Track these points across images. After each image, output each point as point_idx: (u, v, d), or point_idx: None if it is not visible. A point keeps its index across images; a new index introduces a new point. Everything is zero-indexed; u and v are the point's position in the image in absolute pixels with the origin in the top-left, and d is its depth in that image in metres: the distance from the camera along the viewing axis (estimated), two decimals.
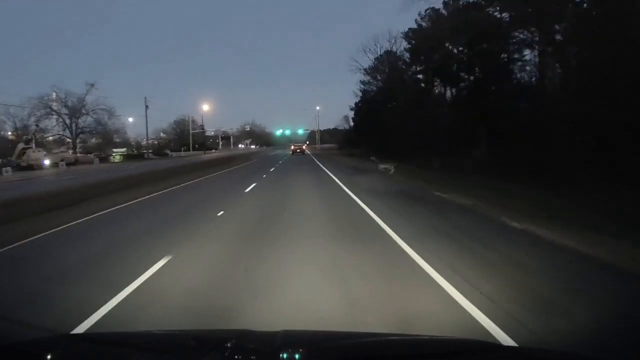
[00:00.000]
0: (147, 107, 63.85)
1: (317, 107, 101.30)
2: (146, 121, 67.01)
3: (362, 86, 75.41)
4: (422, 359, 1.94)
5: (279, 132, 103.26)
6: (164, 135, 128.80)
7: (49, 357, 1.85)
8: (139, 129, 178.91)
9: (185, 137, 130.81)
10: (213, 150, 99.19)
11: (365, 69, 73.10)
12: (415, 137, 48.29)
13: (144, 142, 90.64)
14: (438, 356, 1.96)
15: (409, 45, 65.81)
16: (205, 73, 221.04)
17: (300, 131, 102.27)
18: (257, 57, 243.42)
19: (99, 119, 75.76)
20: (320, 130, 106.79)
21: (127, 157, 61.89)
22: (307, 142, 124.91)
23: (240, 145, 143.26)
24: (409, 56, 67.68)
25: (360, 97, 74.04)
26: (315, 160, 41.13)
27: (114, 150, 68.38)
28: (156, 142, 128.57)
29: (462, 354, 1.98)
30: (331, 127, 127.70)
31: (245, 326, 3.42)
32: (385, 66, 72.27)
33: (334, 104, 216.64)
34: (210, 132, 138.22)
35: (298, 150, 70.10)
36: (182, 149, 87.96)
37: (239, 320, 4.56)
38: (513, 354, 2.22)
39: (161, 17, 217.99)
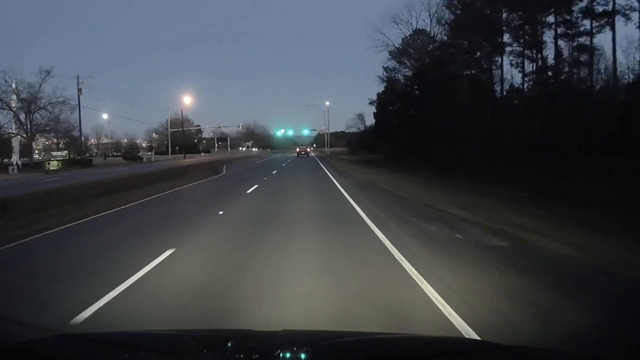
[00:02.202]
0: (80, 90, 44.74)
1: (327, 103, 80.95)
2: (79, 111, 47.34)
3: (386, 73, 56.96)
4: (421, 359, 1.85)
5: (279, 133, 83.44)
6: (156, 135, 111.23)
7: (49, 357, 1.79)
8: (127, 128, 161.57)
9: (178, 138, 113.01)
10: (202, 154, 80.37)
11: (391, 51, 54.49)
12: (492, 142, 30.01)
13: (92, 142, 72.66)
14: (437, 356, 1.86)
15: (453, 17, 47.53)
16: (207, 71, 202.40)
17: (306, 131, 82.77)
18: (260, 53, 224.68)
19: (58, 114, 57.81)
20: (326, 134, 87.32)
21: (68, 163, 43.17)
22: (314, 146, 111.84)
23: (241, 148, 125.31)
24: (448, 33, 49.39)
25: (385, 86, 55.39)
26: (333, 177, 19.83)
27: (53, 153, 49.91)
28: (149, 144, 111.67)
29: (461, 353, 1.90)
30: (338, 130, 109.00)
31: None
32: (419, 46, 53.48)
33: (341, 106, 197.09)
34: (209, 132, 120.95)
35: (303, 153, 65.54)
36: (152, 151, 69.06)
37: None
38: (511, 353, 1.98)
39: (155, 7, 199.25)
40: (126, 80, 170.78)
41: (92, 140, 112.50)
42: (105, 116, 67.52)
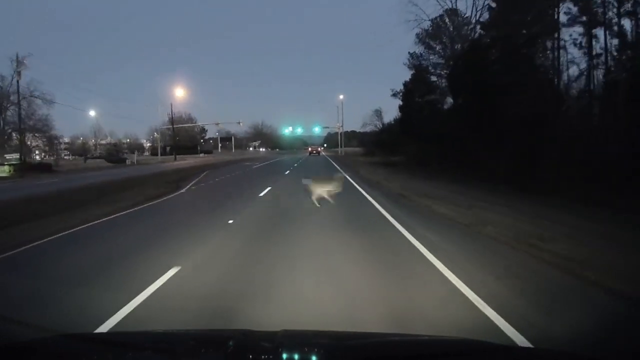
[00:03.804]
0: (18, 73, 33.99)
1: (341, 96, 68.30)
2: (19, 103, 36.58)
3: (412, 60, 45.72)
4: None
5: (287, 131, 71.60)
6: (158, 135, 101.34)
7: (49, 357, 1.72)
8: (128, 127, 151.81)
9: (181, 138, 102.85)
10: (201, 155, 69.90)
11: (419, 33, 43.32)
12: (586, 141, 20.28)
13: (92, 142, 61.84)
14: (438, 356, 1.76)
15: None
16: (214, 71, 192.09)
17: (317, 129, 71.12)
18: (268, 52, 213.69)
19: (33, 110, 48.49)
20: (339, 133, 75.33)
21: (20, 169, 32.71)
22: (324, 145, 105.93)
23: (250, 149, 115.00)
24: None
25: (413, 74, 44.08)
26: (387, 213, 9.06)
27: (7, 156, 39.70)
28: (151, 144, 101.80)
29: (463, 354, 1.78)
30: (348, 130, 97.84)
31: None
32: (453, 28, 42.28)
33: (351, 106, 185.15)
34: (214, 132, 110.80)
35: (314, 152, 63.44)
36: (136, 152, 58.38)
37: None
38: (513, 354, 1.94)
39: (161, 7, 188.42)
40: (131, 80, 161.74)
41: (93, 141, 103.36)
42: (92, 113, 57.06)
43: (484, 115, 26.46)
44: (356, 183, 16.36)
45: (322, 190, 10.21)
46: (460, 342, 2.15)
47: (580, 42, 31.08)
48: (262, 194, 13.05)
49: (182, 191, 14.76)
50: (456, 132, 30.96)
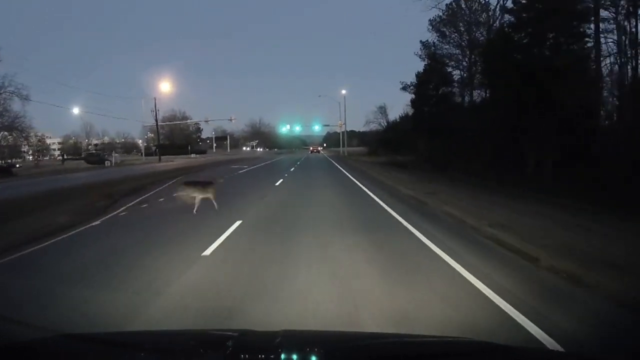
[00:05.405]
0: None
1: (343, 91, 59.50)
2: None
3: (425, 49, 39.43)
4: None
5: (284, 129, 64.11)
6: (152, 134, 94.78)
7: (49, 357, 1.67)
8: (120, 126, 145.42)
9: (176, 137, 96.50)
10: (192, 155, 63.71)
11: (433, 19, 37.10)
12: None
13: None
14: (438, 357, 1.72)
15: None
16: (213, 68, 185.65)
17: (317, 127, 64.40)
18: (268, 50, 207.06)
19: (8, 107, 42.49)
20: (340, 131, 68.65)
21: None
22: (324, 145, 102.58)
23: (245, 148, 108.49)
24: None
25: (427, 64, 37.77)
26: None
27: None
28: (145, 143, 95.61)
29: (463, 354, 1.74)
30: (348, 129, 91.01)
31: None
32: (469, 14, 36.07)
33: (350, 106, 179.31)
34: (211, 131, 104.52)
35: (315, 151, 65.37)
36: (114, 152, 51.89)
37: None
38: (514, 354, 1.85)
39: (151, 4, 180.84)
40: (130, 79, 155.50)
41: (86, 140, 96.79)
42: (76, 111, 50.52)
43: (528, 107, 20.29)
44: (397, 211, 9.13)
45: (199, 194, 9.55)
46: (461, 342, 2.08)
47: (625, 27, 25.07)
48: (208, 252, 5.97)
49: (96, 223, 8.55)
50: (488, 127, 24.88)
